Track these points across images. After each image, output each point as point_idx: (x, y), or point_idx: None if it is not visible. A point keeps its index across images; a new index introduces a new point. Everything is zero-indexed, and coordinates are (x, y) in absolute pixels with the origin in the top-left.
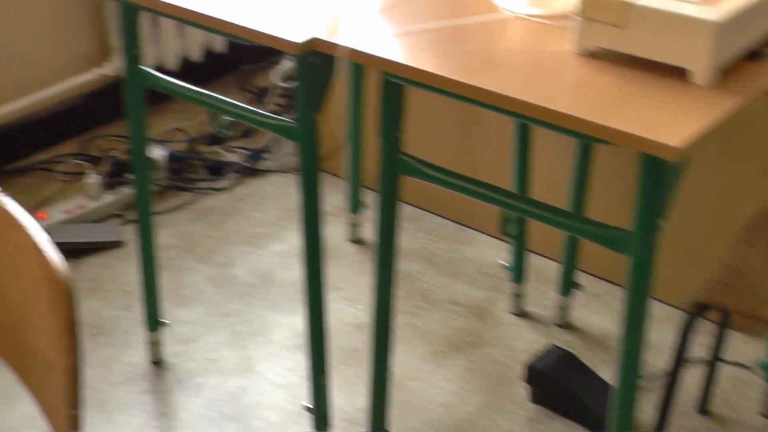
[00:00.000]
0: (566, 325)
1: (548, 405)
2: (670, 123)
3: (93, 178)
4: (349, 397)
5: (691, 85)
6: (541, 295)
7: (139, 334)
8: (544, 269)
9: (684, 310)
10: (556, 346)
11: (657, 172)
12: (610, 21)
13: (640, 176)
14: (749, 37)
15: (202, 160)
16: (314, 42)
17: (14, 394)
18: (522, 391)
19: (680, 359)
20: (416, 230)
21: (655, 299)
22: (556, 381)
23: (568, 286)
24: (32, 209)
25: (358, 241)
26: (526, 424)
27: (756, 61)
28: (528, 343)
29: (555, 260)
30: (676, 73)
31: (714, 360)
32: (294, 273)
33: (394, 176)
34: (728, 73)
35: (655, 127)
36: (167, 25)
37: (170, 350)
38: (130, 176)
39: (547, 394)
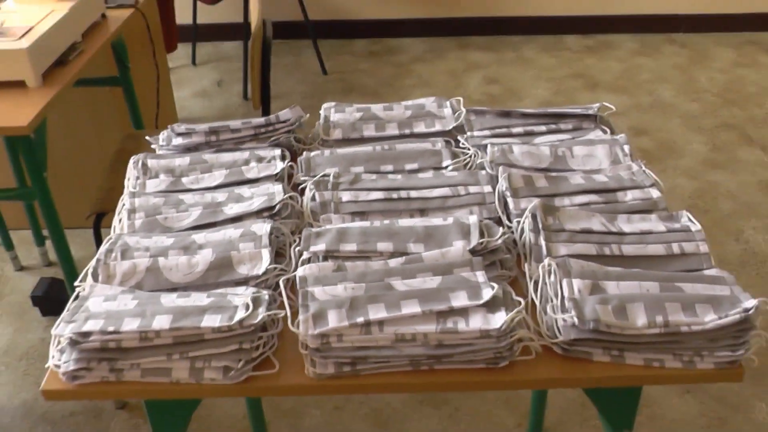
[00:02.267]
0: (49, 264)
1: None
2: (17, 113)
3: None
4: None
5: (29, 89)
6: (28, 254)
7: None
8: (21, 236)
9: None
10: (44, 277)
11: (21, 144)
12: None
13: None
14: (56, 51)
15: None
16: None
17: None
18: (36, 313)
19: None
20: None
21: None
22: (51, 297)
23: (41, 238)
24: None
25: None
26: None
27: (63, 66)
28: (31, 283)
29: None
30: (20, 84)
31: None
32: None
33: None
34: (48, 75)
35: (7, 118)
36: None
37: None
38: None
39: (51, 308)
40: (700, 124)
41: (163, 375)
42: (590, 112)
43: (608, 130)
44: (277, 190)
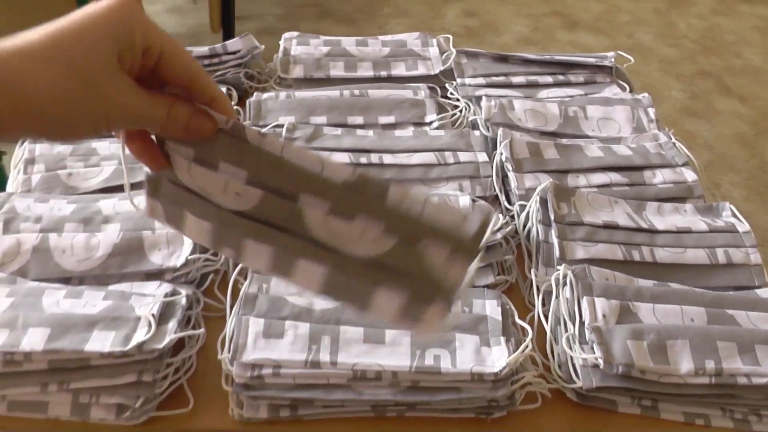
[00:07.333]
0: None
1: None
2: None
3: None
4: None
5: None
6: None
7: None
8: None
9: None
10: None
11: None
12: None
13: None
14: None
15: None
16: None
17: None
18: None
19: None
20: None
21: None
22: None
23: None
24: None
25: None
26: None
27: None
28: None
29: None
30: None
31: None
32: None
33: None
34: None
35: None
36: None
37: None
38: None
39: None
40: (678, 70)
41: (38, 410)
42: (606, 62)
43: (627, 87)
44: None
